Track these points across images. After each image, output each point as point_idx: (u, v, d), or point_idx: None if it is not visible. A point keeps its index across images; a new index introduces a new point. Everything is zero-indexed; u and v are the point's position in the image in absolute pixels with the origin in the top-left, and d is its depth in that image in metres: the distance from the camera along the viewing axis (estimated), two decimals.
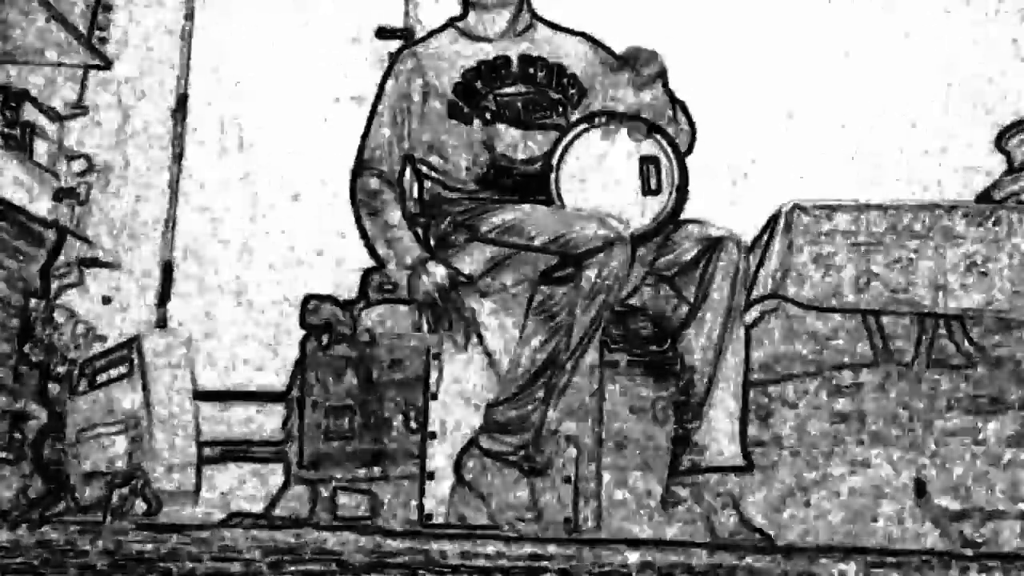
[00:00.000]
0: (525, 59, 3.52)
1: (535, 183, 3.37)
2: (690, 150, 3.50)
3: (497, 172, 3.44)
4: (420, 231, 3.52)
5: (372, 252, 3.50)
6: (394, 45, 4.25)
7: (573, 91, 3.51)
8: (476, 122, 3.46)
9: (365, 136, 3.52)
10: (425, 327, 3.37)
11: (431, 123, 3.48)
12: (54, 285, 4.08)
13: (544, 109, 3.48)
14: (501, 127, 3.45)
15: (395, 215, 3.46)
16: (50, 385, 3.92)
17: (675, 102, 3.52)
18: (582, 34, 3.60)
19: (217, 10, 4.39)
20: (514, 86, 3.49)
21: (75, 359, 3.96)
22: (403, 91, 3.50)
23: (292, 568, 2.51)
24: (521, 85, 3.50)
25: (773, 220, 3.45)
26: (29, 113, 4.07)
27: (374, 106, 3.54)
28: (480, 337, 3.36)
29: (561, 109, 3.48)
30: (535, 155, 3.42)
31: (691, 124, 3.53)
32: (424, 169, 3.52)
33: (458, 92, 3.48)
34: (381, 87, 3.54)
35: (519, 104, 3.47)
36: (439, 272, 3.35)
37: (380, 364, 3.46)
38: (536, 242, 3.28)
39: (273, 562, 2.59)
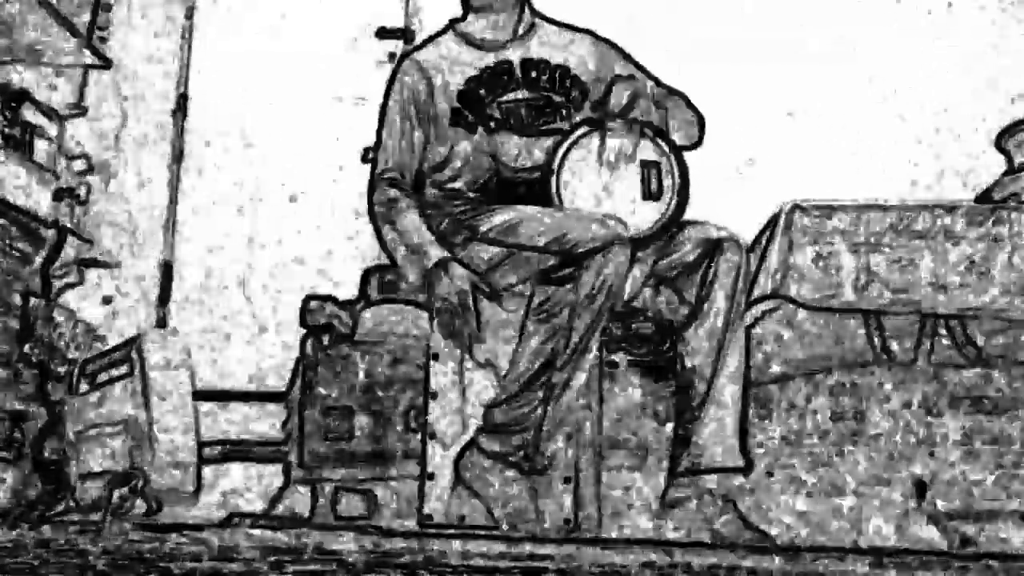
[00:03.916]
0: (527, 63, 3.50)
1: (537, 188, 3.37)
2: (700, 141, 3.48)
3: (500, 183, 3.43)
4: None
5: (391, 259, 3.48)
6: (394, 45, 4.25)
7: (576, 93, 3.49)
8: (480, 131, 3.45)
9: (377, 146, 3.51)
10: (437, 332, 3.35)
11: (436, 132, 3.47)
12: (54, 285, 4.08)
13: (548, 114, 3.47)
14: (505, 136, 3.44)
15: (413, 218, 3.42)
16: (50, 385, 3.92)
17: (675, 94, 3.49)
18: (586, 31, 3.59)
19: (217, 10, 4.39)
20: (517, 92, 3.48)
21: (75, 359, 3.96)
22: (408, 100, 3.49)
23: (292, 568, 2.51)
24: (524, 91, 3.48)
25: (773, 220, 3.45)
26: (29, 113, 4.07)
27: (381, 114, 3.52)
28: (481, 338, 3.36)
29: (564, 113, 3.47)
30: (538, 163, 3.41)
31: (697, 115, 3.50)
32: (427, 175, 3.50)
33: (462, 100, 3.47)
34: (386, 95, 3.53)
35: (522, 111, 3.46)
36: (461, 275, 3.32)
37: (380, 364, 3.46)
38: (536, 243, 3.27)
39: (273, 562, 2.59)
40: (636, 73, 3.50)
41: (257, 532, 3.09)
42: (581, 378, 3.28)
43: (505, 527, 3.24)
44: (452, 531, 3.21)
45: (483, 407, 3.31)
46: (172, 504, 3.58)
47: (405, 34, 4.27)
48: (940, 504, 3.26)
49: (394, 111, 3.50)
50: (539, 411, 3.25)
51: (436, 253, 3.34)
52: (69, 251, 4.13)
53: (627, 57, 3.55)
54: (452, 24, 3.58)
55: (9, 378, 3.82)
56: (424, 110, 3.48)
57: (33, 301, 3.98)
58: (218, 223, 4.24)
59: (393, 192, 3.45)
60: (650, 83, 3.48)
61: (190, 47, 4.36)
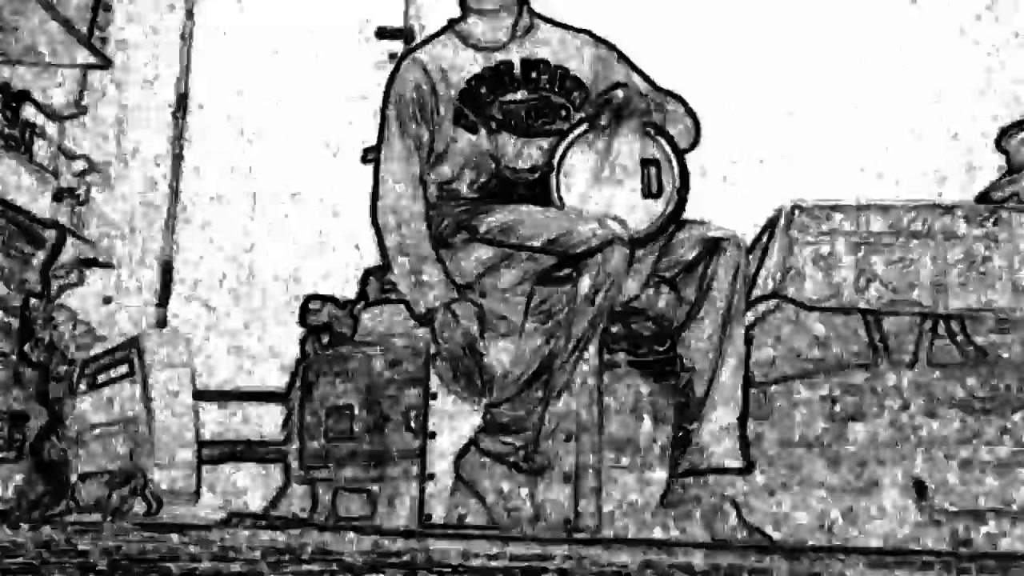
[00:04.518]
0: (527, 64, 3.50)
1: (538, 188, 3.37)
2: (696, 144, 3.48)
3: (500, 183, 3.43)
4: None
5: (385, 258, 3.45)
6: (394, 45, 4.25)
7: (576, 94, 3.49)
8: (482, 131, 3.45)
9: (378, 147, 3.49)
10: (441, 374, 3.33)
11: (438, 130, 3.46)
12: (54, 285, 4.08)
13: (548, 115, 3.46)
14: (505, 136, 3.43)
15: (423, 245, 3.39)
16: (50, 385, 3.92)
17: (673, 97, 3.50)
18: (584, 31, 3.59)
19: (217, 10, 4.39)
20: (518, 92, 3.47)
21: (75, 359, 3.96)
22: (411, 98, 3.48)
23: (292, 568, 2.51)
24: (525, 91, 3.48)
25: (773, 220, 3.45)
26: (29, 113, 4.07)
27: (382, 114, 3.51)
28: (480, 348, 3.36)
29: (564, 113, 3.47)
30: (538, 163, 3.41)
31: (693, 117, 3.50)
32: (428, 174, 3.49)
33: (463, 100, 3.46)
34: (386, 95, 3.51)
35: (523, 111, 3.46)
36: (466, 316, 3.31)
37: (380, 364, 3.46)
38: (535, 243, 3.27)
39: (273, 562, 2.58)
40: (632, 75, 3.51)
41: (257, 532, 3.09)
42: (581, 378, 3.28)
43: (505, 527, 3.24)
44: (452, 531, 3.21)
45: (483, 407, 3.31)
46: (172, 504, 3.58)
47: (405, 34, 4.27)
48: (940, 504, 3.26)
49: (397, 110, 3.47)
50: (539, 411, 3.25)
51: (442, 294, 3.32)
52: (69, 251, 4.13)
53: (624, 58, 3.55)
54: (451, 24, 3.57)
55: (9, 378, 3.82)
56: (426, 109, 3.47)
57: (33, 301, 3.98)
58: (218, 223, 4.24)
59: (400, 204, 3.42)
60: (645, 86, 3.48)
61: (190, 47, 4.36)
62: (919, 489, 3.27)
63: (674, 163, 3.34)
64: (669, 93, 3.50)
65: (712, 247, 3.28)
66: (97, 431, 3.72)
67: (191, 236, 4.24)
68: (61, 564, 2.50)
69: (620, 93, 3.35)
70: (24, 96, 4.08)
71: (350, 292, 3.70)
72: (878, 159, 4.08)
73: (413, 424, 3.40)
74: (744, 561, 2.74)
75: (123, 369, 3.72)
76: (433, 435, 3.33)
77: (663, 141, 3.36)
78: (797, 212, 3.38)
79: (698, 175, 3.36)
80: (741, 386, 3.27)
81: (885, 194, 3.64)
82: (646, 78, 3.53)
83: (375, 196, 3.45)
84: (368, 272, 3.71)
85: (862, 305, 3.33)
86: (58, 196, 4.11)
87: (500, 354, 3.32)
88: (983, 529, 3.24)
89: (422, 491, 3.32)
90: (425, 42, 3.58)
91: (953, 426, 3.29)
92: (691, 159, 3.41)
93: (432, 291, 3.32)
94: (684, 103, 3.51)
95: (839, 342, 3.46)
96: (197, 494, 3.63)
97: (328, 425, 3.45)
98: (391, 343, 3.47)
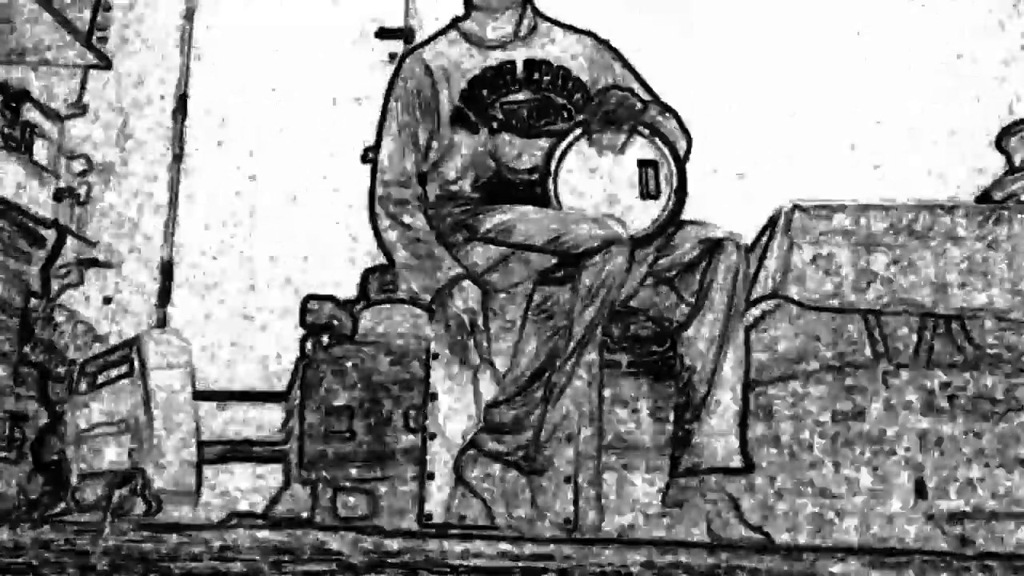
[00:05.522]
0: (530, 64, 3.50)
1: (538, 189, 3.36)
2: (686, 158, 3.47)
3: (500, 184, 3.43)
4: None
5: (389, 259, 3.45)
6: (394, 45, 4.25)
7: (578, 95, 3.49)
8: (482, 131, 3.44)
9: (378, 146, 3.49)
10: (446, 347, 3.33)
11: (439, 129, 3.46)
12: (54, 285, 4.08)
13: (549, 116, 3.46)
14: (506, 137, 3.43)
15: (423, 226, 3.40)
16: (50, 385, 3.92)
17: (669, 111, 3.50)
18: (587, 32, 3.59)
19: (217, 10, 4.39)
20: (520, 93, 3.47)
21: (75, 359, 3.96)
22: (413, 95, 3.48)
23: (292, 568, 2.51)
24: (526, 92, 3.47)
25: (773, 220, 3.45)
26: (29, 113, 4.07)
27: (384, 112, 3.50)
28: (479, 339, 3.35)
29: (566, 115, 3.46)
30: (539, 164, 3.40)
31: (685, 132, 3.50)
32: (428, 173, 3.49)
33: (464, 100, 3.46)
34: (388, 92, 3.51)
35: (524, 112, 3.45)
36: (472, 295, 3.31)
37: (380, 364, 3.46)
38: (535, 243, 3.27)
39: (273, 562, 2.58)
40: (633, 82, 3.51)
41: (257, 532, 3.09)
42: (581, 378, 3.28)
43: (505, 527, 3.24)
44: (452, 531, 3.21)
45: (483, 407, 3.31)
46: (172, 504, 3.58)
47: (405, 34, 4.27)
48: (940, 504, 3.26)
49: (398, 107, 3.48)
50: (539, 411, 3.25)
51: (451, 269, 3.32)
52: (69, 251, 4.13)
53: (626, 63, 3.55)
54: (455, 22, 3.57)
55: (9, 378, 3.82)
56: (428, 106, 3.47)
57: (33, 301, 3.98)
58: (218, 223, 4.24)
59: (399, 194, 3.43)
60: (646, 96, 3.48)
61: (190, 47, 4.36)
62: (919, 489, 3.27)
63: (672, 164, 3.34)
64: (666, 108, 3.50)
65: (712, 247, 3.28)
66: (97, 431, 3.71)
67: (191, 236, 4.24)
68: (61, 564, 2.50)
69: (613, 97, 3.35)
70: (24, 96, 4.08)
71: (350, 292, 3.70)
72: (878, 159, 4.07)
73: (413, 424, 3.40)
74: (744, 561, 2.74)
75: (123, 369, 3.72)
76: (433, 435, 3.33)
77: (660, 142, 3.36)
78: (797, 212, 3.38)
79: (698, 175, 3.36)
80: (741, 386, 3.28)
81: (885, 194, 3.64)
82: (646, 86, 3.53)
83: (373, 190, 3.46)
84: (368, 272, 3.71)
85: (862, 305, 3.33)
86: (58, 196, 4.11)
87: (500, 354, 3.33)
88: (983, 529, 3.24)
89: (422, 491, 3.32)
90: (429, 39, 3.58)
91: (953, 426, 3.29)
92: (691, 159, 3.41)
93: (438, 271, 3.32)
94: (677, 118, 3.50)
95: (839, 342, 3.46)
96: (197, 494, 3.63)
97: (328, 425, 3.45)
98: (391, 343, 3.47)
